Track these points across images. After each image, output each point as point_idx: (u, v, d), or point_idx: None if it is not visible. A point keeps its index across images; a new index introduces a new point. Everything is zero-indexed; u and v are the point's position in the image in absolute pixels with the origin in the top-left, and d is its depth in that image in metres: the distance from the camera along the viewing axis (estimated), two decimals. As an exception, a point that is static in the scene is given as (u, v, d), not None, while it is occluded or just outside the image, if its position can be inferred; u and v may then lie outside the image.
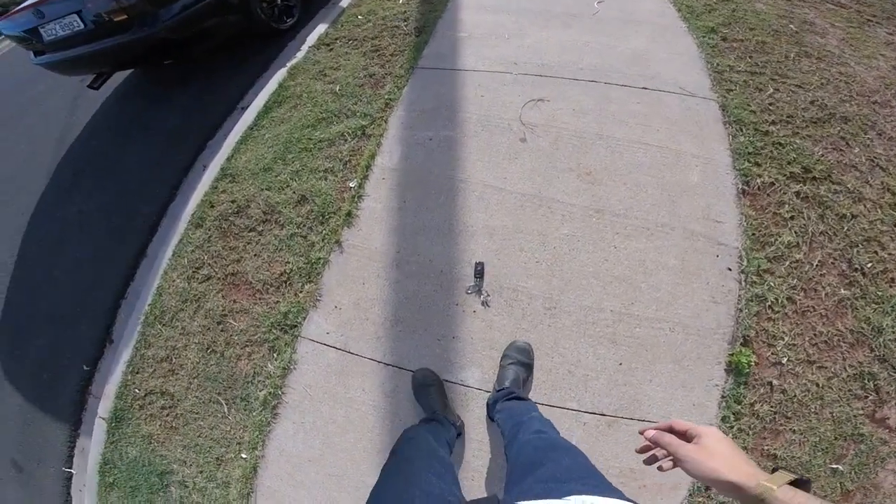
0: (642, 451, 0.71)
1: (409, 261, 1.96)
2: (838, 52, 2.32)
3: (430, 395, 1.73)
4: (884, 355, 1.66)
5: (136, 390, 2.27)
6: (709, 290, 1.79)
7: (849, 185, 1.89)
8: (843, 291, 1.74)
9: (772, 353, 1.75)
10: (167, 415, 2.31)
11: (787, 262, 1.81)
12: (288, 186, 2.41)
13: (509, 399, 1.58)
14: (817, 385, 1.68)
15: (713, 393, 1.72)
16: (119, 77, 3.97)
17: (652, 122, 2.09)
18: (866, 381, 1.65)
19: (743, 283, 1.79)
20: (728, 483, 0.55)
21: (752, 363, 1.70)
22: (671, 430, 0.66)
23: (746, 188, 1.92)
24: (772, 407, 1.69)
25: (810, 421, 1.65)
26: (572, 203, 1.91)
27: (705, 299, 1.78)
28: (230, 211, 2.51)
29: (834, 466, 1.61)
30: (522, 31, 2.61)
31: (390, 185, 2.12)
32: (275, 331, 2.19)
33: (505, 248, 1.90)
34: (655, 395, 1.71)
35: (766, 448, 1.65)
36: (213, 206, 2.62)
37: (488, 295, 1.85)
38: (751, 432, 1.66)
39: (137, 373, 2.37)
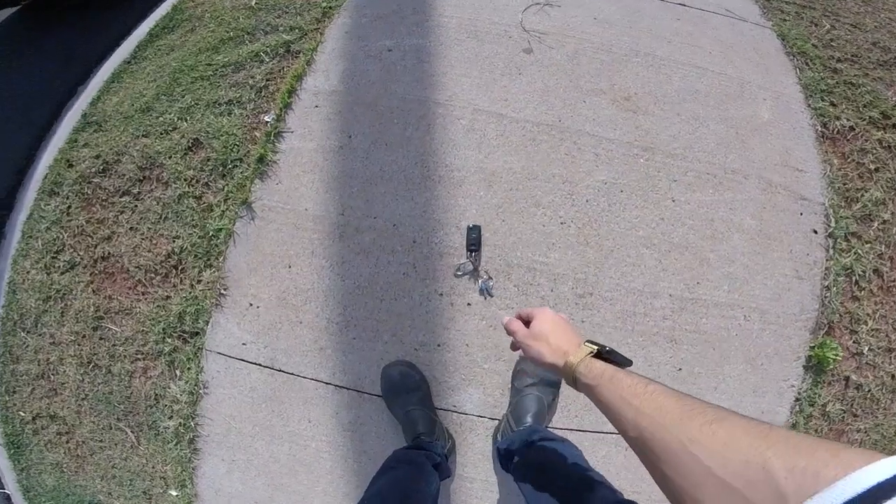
0: (514, 348, 0.52)
1: (361, 227, 0.97)
2: None
3: (409, 405, 0.87)
4: None
5: (21, 413, 1.32)
6: (792, 260, 0.99)
7: (935, 127, 1.14)
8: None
9: (853, 342, 1.03)
10: (67, 442, 1.27)
11: (875, 224, 1.06)
12: (174, 129, 1.27)
13: (534, 444, 0.70)
14: (893, 377, 0.98)
15: (787, 396, 0.98)
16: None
17: (701, 42, 1.20)
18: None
19: (831, 251, 1.01)
20: (549, 365, 0.44)
21: (838, 357, 0.96)
22: (520, 317, 0.51)
23: (825, 131, 1.12)
24: (843, 405, 1.01)
25: (876, 418, 0.98)
26: (608, 137, 1.00)
27: (788, 274, 0.99)
28: (94, 169, 1.34)
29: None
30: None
31: (327, 115, 1.08)
32: (169, 340, 1.14)
33: (512, 203, 0.96)
34: (720, 405, 0.91)
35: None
36: (71, 166, 1.42)
37: (489, 277, 0.92)
38: (814, 434, 0.94)
39: (14, 392, 1.34)
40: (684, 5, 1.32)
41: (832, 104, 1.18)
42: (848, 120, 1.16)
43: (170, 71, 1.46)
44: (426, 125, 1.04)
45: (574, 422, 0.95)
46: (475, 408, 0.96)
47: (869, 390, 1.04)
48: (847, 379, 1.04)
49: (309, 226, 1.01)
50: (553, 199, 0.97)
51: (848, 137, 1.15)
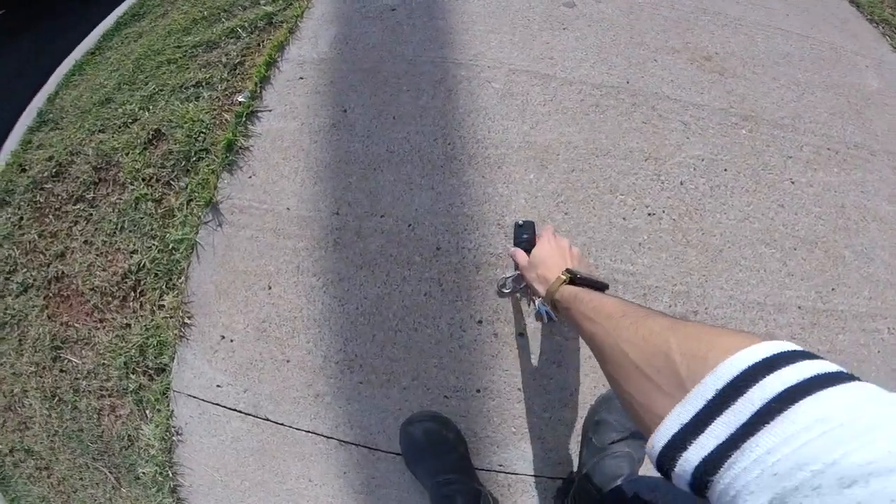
0: None
1: (364, 231, 0.60)
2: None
3: (440, 473, 0.52)
4: None
5: (-2, 446, 0.90)
6: None
7: None
8: None
9: None
10: (48, 477, 0.89)
11: None
12: (134, 121, 0.90)
13: (639, 498, 0.34)
14: None
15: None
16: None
17: (771, 4, 0.84)
18: None
19: None
20: (543, 297, 0.40)
21: None
22: None
23: None
24: None
25: None
26: (696, 102, 0.64)
27: None
28: (47, 173, 0.97)
29: None
30: None
31: (314, 87, 0.70)
32: (133, 376, 0.77)
33: (576, 189, 0.59)
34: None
35: None
36: (24, 171, 1.05)
37: (547, 295, 0.54)
38: None
39: (-13, 423, 0.90)
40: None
41: (943, 67, 0.83)
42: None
43: (134, 58, 1.08)
44: (446, 91, 0.67)
45: (662, 483, 0.59)
46: (529, 466, 0.61)
47: None
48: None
49: (293, 231, 0.64)
50: (634, 182, 0.60)
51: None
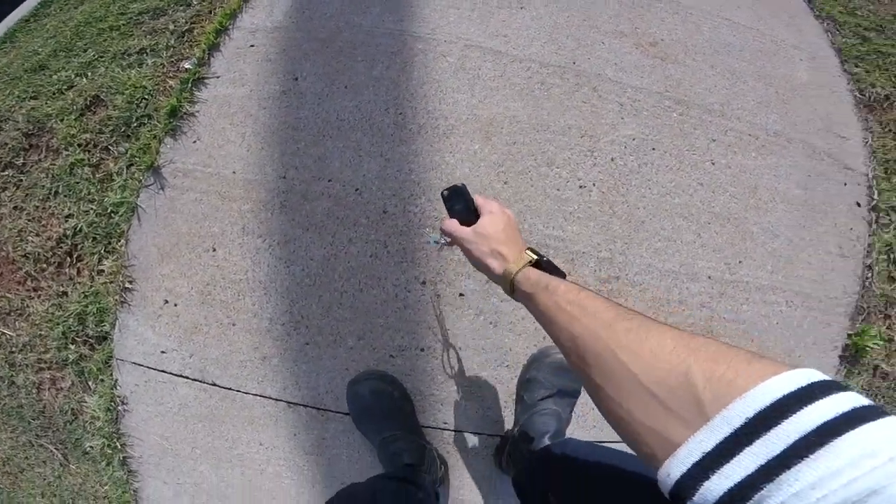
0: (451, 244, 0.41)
1: (311, 194, 0.59)
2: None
3: (387, 430, 0.54)
4: None
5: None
6: (837, 235, 0.73)
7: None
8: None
9: (886, 327, 0.78)
10: None
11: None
12: (70, 87, 0.83)
13: (574, 459, 0.39)
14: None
15: (814, 386, 0.69)
16: None
17: None
18: None
19: (873, 226, 0.75)
20: (492, 276, 0.34)
21: (877, 346, 0.72)
22: None
23: (863, 98, 0.85)
24: (868, 396, 0.71)
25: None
26: (634, 85, 0.68)
27: (832, 252, 0.72)
28: (-28, 137, 0.85)
29: None
30: None
31: (266, 55, 0.68)
32: (73, 346, 0.73)
33: (517, 160, 0.61)
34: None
35: None
36: (-52, 136, 0.91)
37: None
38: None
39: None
40: (696, -44, 1.00)
41: (866, 71, 0.92)
42: (883, 88, 0.90)
43: (73, 25, 0.98)
44: (400, 63, 0.67)
45: (591, 433, 0.65)
46: (471, 424, 0.64)
47: (895, 380, 0.80)
48: (875, 368, 0.80)
49: (238, 193, 0.62)
50: (570, 157, 0.64)
51: (884, 106, 0.89)
